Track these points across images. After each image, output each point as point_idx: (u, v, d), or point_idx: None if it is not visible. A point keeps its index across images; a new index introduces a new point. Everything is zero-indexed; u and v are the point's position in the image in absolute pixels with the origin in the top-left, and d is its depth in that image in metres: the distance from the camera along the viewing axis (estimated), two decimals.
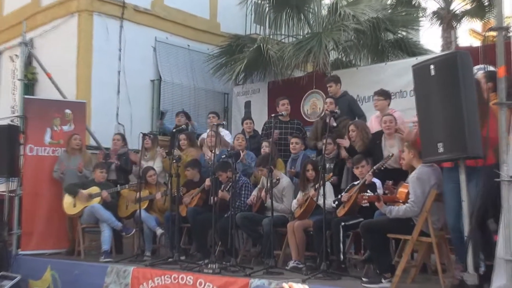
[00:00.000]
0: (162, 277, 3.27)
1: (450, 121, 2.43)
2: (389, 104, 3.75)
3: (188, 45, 6.20)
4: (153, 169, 4.28)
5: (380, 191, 3.12)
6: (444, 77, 2.45)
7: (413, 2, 6.57)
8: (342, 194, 3.29)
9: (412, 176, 2.82)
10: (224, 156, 3.89)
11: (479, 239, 2.46)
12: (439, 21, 6.72)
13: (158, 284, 3.27)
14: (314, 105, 5.34)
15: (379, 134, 3.51)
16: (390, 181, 3.00)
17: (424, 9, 6.70)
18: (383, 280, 2.77)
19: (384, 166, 3.18)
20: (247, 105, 5.92)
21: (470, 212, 2.44)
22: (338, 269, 3.06)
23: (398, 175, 3.10)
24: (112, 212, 4.14)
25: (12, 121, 4.63)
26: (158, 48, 5.93)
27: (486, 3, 6.46)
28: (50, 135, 4.52)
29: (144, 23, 5.85)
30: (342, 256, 3.12)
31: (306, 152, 4.02)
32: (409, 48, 5.56)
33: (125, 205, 4.30)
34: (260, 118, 5.21)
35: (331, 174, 3.50)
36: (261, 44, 5.35)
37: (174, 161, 3.79)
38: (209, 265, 3.22)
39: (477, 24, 7.37)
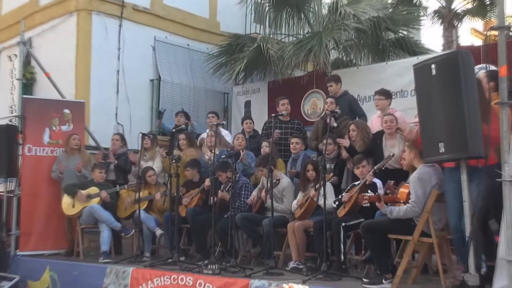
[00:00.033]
0: (162, 278, 3.26)
1: (451, 120, 2.42)
2: (390, 104, 3.74)
3: (188, 45, 6.18)
4: (153, 169, 4.27)
5: (381, 191, 3.11)
6: (445, 77, 2.45)
7: (414, 1, 6.57)
8: (342, 194, 3.28)
9: (413, 176, 2.81)
10: (224, 156, 3.87)
11: (481, 239, 2.44)
12: (440, 20, 6.71)
13: (158, 285, 3.26)
14: (315, 104, 5.33)
15: (380, 134, 3.50)
16: (392, 181, 2.98)
17: (425, 8, 6.70)
18: (383, 281, 2.76)
19: (384, 166, 3.17)
20: (247, 104, 5.90)
21: (471, 212, 2.43)
22: (338, 270, 3.05)
23: (399, 176, 3.08)
24: (111, 213, 4.12)
25: (10, 121, 4.60)
26: (157, 48, 5.92)
27: (488, 2, 6.46)
28: (49, 135, 4.51)
29: (143, 22, 5.84)
30: (342, 257, 3.11)
31: (306, 152, 4.01)
32: (410, 48, 5.55)
33: (124, 206, 4.28)
34: (260, 118, 5.19)
35: (331, 174, 3.49)
36: (261, 44, 5.34)
37: (174, 161, 3.77)
38: (209, 266, 3.21)
39: (478, 23, 7.39)
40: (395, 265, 2.83)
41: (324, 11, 5.73)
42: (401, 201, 2.84)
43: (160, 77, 5.87)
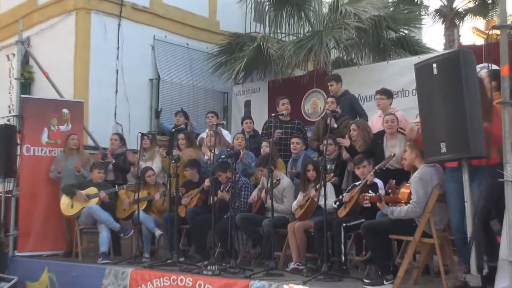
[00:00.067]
0: (161, 279, 3.24)
1: (452, 120, 2.41)
2: (391, 103, 3.73)
3: (187, 44, 6.16)
4: (152, 169, 4.25)
5: (382, 191, 3.10)
6: (447, 76, 2.43)
7: (415, 0, 6.54)
8: (343, 194, 3.27)
9: (414, 177, 2.80)
10: (223, 156, 3.85)
11: (483, 240, 2.43)
12: (442, 19, 6.69)
13: (157, 286, 3.25)
14: (315, 104, 5.31)
15: (381, 134, 3.48)
16: (393, 181, 2.95)
17: (427, 7, 6.67)
18: (384, 282, 2.75)
19: (385, 167, 3.15)
20: (247, 104, 5.88)
21: (473, 212, 2.41)
22: (339, 271, 3.04)
23: (400, 176, 3.06)
24: (110, 213, 4.10)
25: (8, 120, 4.58)
26: (156, 47, 5.89)
27: (490, 1, 6.45)
28: (47, 135, 4.49)
29: (142, 21, 5.81)
30: (343, 258, 3.09)
31: (307, 152, 4.00)
32: (411, 47, 5.54)
33: (123, 206, 4.26)
34: (260, 118, 5.17)
35: (332, 174, 3.48)
36: (261, 43, 5.32)
37: (173, 161, 3.75)
38: (209, 267, 3.19)
39: (480, 22, 7.36)
40: (396, 266, 2.81)
41: (325, 10, 5.71)
42: (402, 202, 2.83)
43: (159, 76, 5.85)
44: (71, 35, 5.39)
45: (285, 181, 3.67)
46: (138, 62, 5.70)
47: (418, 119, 2.90)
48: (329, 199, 3.20)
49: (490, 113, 2.41)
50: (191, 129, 4.90)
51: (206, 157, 4.21)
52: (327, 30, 5.19)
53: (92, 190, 4.16)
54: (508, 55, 2.33)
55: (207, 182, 3.83)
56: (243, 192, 3.79)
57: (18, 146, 4.39)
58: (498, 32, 2.45)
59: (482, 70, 3.00)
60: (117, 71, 5.51)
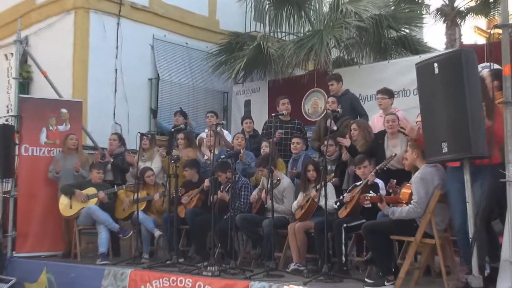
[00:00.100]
0: (160, 280, 3.23)
1: (454, 120, 2.40)
2: (392, 103, 3.72)
3: (187, 43, 6.13)
4: (151, 169, 4.22)
5: (383, 191, 3.08)
6: (448, 76, 2.42)
7: None
8: (344, 195, 3.25)
9: (415, 177, 2.78)
10: (223, 156, 3.83)
11: (485, 240, 2.41)
12: (443, 18, 6.66)
13: (156, 287, 3.24)
14: (315, 104, 5.30)
15: (382, 134, 3.47)
16: (394, 180, 2.93)
17: (428, 6, 6.64)
18: (386, 283, 2.73)
19: (386, 167, 3.13)
20: (247, 104, 5.86)
21: (475, 213, 2.40)
22: (340, 272, 3.02)
23: (401, 176, 3.05)
24: (109, 214, 4.09)
25: (6, 120, 4.59)
26: (155, 46, 5.87)
27: (491, 0, 6.39)
28: (46, 135, 4.46)
29: (141, 21, 5.79)
30: (344, 258, 3.07)
31: (307, 152, 3.98)
32: (413, 46, 5.52)
33: (122, 207, 4.24)
34: (260, 118, 5.16)
35: (332, 174, 3.46)
36: (261, 42, 5.29)
37: (173, 161, 3.73)
38: (208, 268, 3.18)
39: (482, 21, 7.32)
40: (397, 267, 2.80)
41: (325, 9, 5.69)
42: (403, 202, 2.82)
43: (158, 76, 5.83)
44: (70, 34, 5.37)
45: (285, 181, 3.65)
46: (137, 61, 5.68)
47: (419, 119, 2.88)
48: (330, 200, 3.19)
49: (492, 112, 2.39)
50: (190, 129, 4.88)
51: (205, 157, 4.19)
52: (327, 29, 5.17)
53: (91, 190, 4.14)
54: (510, 55, 2.32)
55: (206, 183, 3.81)
56: (243, 193, 3.77)
57: (17, 146, 4.37)
58: (500, 31, 2.45)
59: (484, 69, 2.97)
60: (116, 70, 5.49)
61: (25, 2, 5.96)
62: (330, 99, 4.07)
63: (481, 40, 8.34)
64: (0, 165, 4.24)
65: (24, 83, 5.42)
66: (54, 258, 4.19)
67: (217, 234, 3.48)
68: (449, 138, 2.40)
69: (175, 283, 3.14)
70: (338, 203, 3.23)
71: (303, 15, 5.73)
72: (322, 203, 3.12)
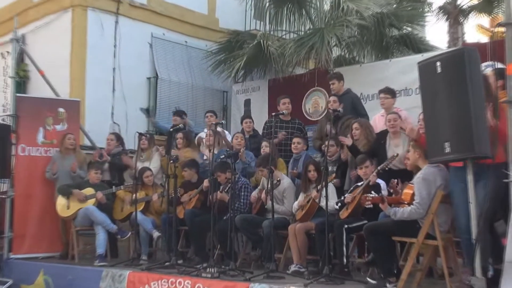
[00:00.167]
0: (159, 281, 3.20)
1: (457, 119, 2.38)
2: (394, 103, 3.69)
3: (186, 42, 6.10)
4: (150, 169, 4.19)
5: (384, 192, 3.06)
6: (451, 74, 2.40)
7: None
8: (345, 195, 3.23)
9: (417, 177, 2.76)
10: (223, 156, 3.79)
11: (488, 242, 2.37)
12: (446, 16, 6.64)
13: None
14: (316, 103, 5.26)
15: (384, 134, 3.44)
16: (395, 180, 2.90)
17: (430, 4, 6.65)
18: (387, 285, 2.71)
19: (388, 167, 3.10)
20: (247, 103, 5.83)
21: (478, 214, 2.37)
22: (341, 273, 3.00)
23: (403, 176, 3.02)
24: (107, 214, 4.05)
25: (3, 120, 4.53)
26: (154, 45, 5.83)
27: None
28: (43, 134, 4.42)
29: (140, 19, 5.75)
30: (345, 260, 3.05)
31: (308, 152, 3.96)
32: (415, 44, 5.50)
33: (120, 207, 4.20)
34: (260, 117, 5.13)
35: (333, 175, 3.45)
36: (261, 40, 5.26)
37: (171, 161, 3.68)
38: (208, 269, 3.15)
39: (485, 20, 7.25)
40: (399, 268, 2.78)
41: (326, 7, 5.65)
42: (405, 202, 2.79)
43: (157, 75, 5.80)
44: (67, 32, 5.33)
45: (286, 181, 3.63)
46: (135, 60, 5.64)
47: (421, 117, 2.84)
48: (331, 200, 3.17)
49: (496, 110, 2.35)
50: (189, 129, 4.84)
51: (205, 157, 4.14)
52: (328, 27, 5.14)
53: (89, 190, 4.11)
54: None
55: (206, 183, 3.78)
56: (242, 193, 3.75)
57: (13, 146, 4.33)
58: (503, 29, 2.42)
59: (487, 68, 2.94)
60: (114, 69, 5.45)
61: (22, 0, 5.92)
62: (331, 98, 4.04)
63: (484, 39, 8.28)
64: None
65: (21, 82, 5.38)
66: (51, 260, 4.16)
67: (216, 235, 3.46)
68: (452, 138, 2.38)
69: (174, 285, 3.12)
70: (339, 204, 3.21)
71: (303, 13, 5.69)
72: (323, 203, 3.09)
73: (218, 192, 3.61)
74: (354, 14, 5.02)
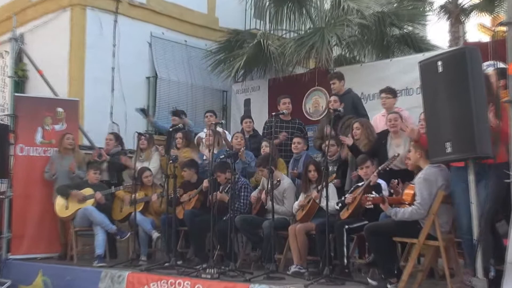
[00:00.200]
0: (158, 282, 3.19)
1: (458, 119, 2.37)
2: (395, 103, 3.68)
3: (185, 41, 6.09)
4: (149, 169, 4.17)
5: (385, 192, 3.04)
6: (452, 74, 2.39)
7: None
8: (345, 195, 3.21)
9: (418, 177, 2.75)
10: (222, 156, 3.77)
11: (490, 242, 2.36)
12: (447, 16, 6.64)
13: None
14: (317, 103, 5.25)
15: (385, 133, 3.43)
16: (396, 180, 2.88)
17: (431, 3, 6.63)
18: (388, 285, 2.71)
19: (389, 167, 3.08)
20: (247, 103, 5.82)
21: (479, 214, 2.36)
22: (341, 274, 2.99)
23: (404, 176, 3.00)
24: (106, 215, 4.03)
25: (2, 119, 4.51)
26: (153, 44, 5.82)
27: None
28: (42, 134, 4.40)
29: (139, 18, 5.74)
30: (345, 261, 3.04)
31: (308, 152, 3.95)
32: (416, 44, 5.50)
33: (119, 208, 4.18)
34: (260, 117, 5.13)
35: (334, 175, 3.44)
36: (261, 40, 5.25)
37: (171, 161, 3.67)
38: (207, 270, 3.14)
39: (486, 19, 7.25)
40: (400, 269, 2.77)
41: (327, 6, 5.64)
42: (406, 203, 2.78)
43: (156, 74, 5.79)
44: (66, 32, 5.32)
45: (286, 182, 3.62)
46: (134, 59, 5.63)
47: (422, 117, 2.83)
48: (331, 200, 3.16)
49: (499, 111, 2.34)
50: (189, 128, 4.82)
51: (204, 157, 4.12)
52: (329, 27, 5.13)
53: (88, 191, 4.09)
54: None
55: (205, 183, 3.76)
56: (242, 193, 3.73)
57: (12, 146, 4.30)
58: (504, 29, 2.42)
59: (488, 68, 2.93)
60: (113, 68, 5.44)
61: None
62: (332, 98, 4.03)
63: (486, 38, 8.28)
64: None
65: (20, 81, 5.38)
66: (50, 260, 4.14)
67: (216, 235, 3.45)
68: (453, 138, 2.37)
69: (173, 286, 3.11)
70: (339, 204, 3.20)
71: (304, 12, 5.68)
72: (323, 204, 3.08)
73: (218, 192, 3.60)
74: (354, 13, 5.01)
